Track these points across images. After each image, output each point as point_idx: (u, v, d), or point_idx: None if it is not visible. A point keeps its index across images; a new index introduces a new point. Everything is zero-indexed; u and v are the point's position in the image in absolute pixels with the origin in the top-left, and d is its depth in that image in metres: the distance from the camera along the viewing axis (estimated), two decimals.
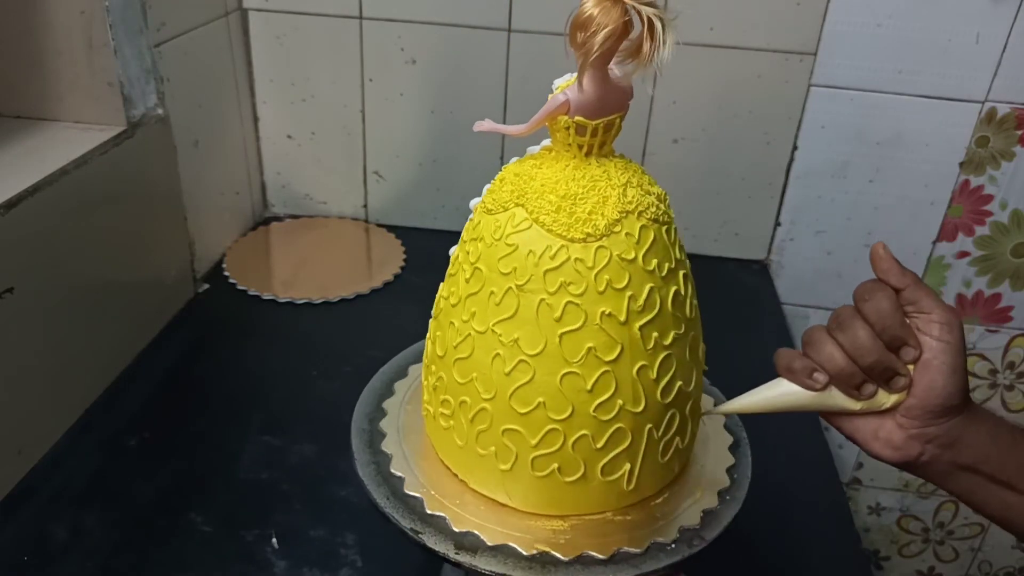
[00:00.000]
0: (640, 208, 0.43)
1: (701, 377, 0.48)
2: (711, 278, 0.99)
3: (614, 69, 0.41)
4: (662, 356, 0.43)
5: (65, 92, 0.73)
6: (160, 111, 0.78)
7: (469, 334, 0.44)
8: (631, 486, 0.45)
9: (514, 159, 0.47)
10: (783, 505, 0.68)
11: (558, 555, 0.43)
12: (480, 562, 0.43)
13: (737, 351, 0.70)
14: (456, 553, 0.43)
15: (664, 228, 0.44)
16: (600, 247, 0.42)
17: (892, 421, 0.46)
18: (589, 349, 0.42)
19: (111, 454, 0.68)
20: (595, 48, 0.39)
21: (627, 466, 0.45)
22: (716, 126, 0.94)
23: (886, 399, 0.46)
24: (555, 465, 0.44)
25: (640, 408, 0.43)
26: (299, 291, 0.90)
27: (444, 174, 1.00)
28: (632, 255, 0.42)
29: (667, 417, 0.45)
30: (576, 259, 0.41)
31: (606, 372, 0.42)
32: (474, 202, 0.48)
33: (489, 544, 0.44)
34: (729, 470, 0.50)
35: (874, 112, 0.91)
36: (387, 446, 0.49)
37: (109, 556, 0.59)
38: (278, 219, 1.05)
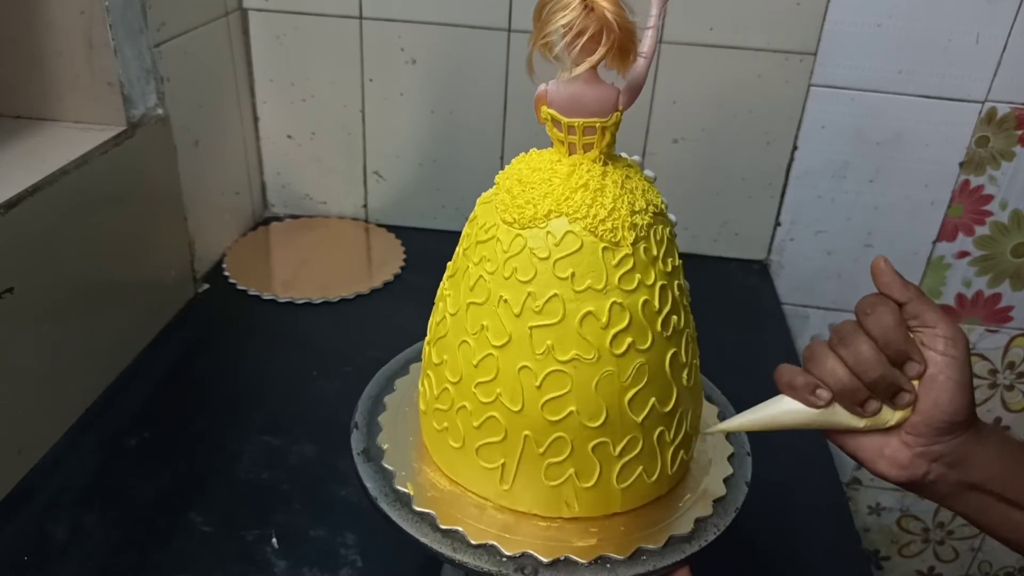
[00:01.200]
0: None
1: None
2: (711, 278, 0.99)
3: (600, 73, 0.41)
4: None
5: (65, 92, 0.73)
6: (160, 111, 0.78)
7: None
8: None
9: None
10: (783, 505, 0.68)
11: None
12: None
13: (737, 351, 0.70)
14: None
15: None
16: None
17: (897, 439, 0.45)
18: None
19: (111, 454, 0.68)
20: (538, 37, 0.39)
21: (640, 468, 0.45)
22: (716, 126, 0.94)
23: (891, 416, 0.45)
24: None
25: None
26: (299, 291, 0.90)
27: (444, 174, 1.00)
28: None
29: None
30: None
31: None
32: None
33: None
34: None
35: (874, 112, 0.91)
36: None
37: (109, 556, 0.59)
38: (278, 219, 1.05)
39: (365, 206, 1.05)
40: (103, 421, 0.71)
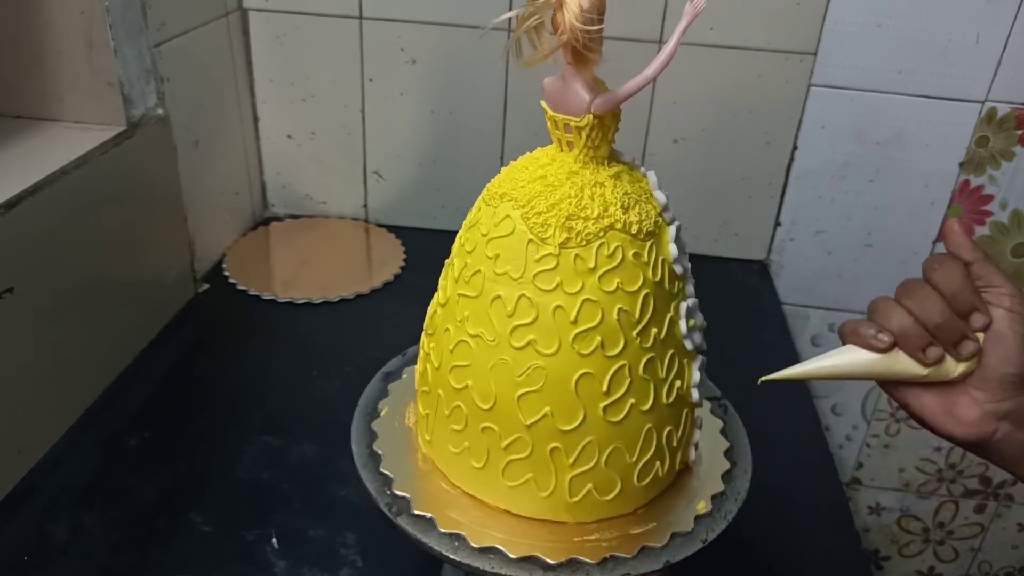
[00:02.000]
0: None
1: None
2: (711, 278, 0.99)
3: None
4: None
5: (65, 92, 0.73)
6: (160, 111, 0.78)
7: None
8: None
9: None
10: (783, 505, 0.68)
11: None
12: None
13: (737, 351, 0.70)
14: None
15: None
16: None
17: (966, 395, 0.45)
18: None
19: (111, 454, 0.68)
20: (521, 23, 0.40)
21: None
22: (716, 126, 0.94)
23: (954, 368, 0.45)
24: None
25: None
26: (299, 291, 0.90)
27: (444, 174, 1.00)
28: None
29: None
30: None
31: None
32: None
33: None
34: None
35: (874, 112, 0.91)
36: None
37: (109, 556, 0.59)
38: (278, 219, 1.05)
39: (365, 206, 1.05)
40: (103, 421, 0.71)
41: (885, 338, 0.44)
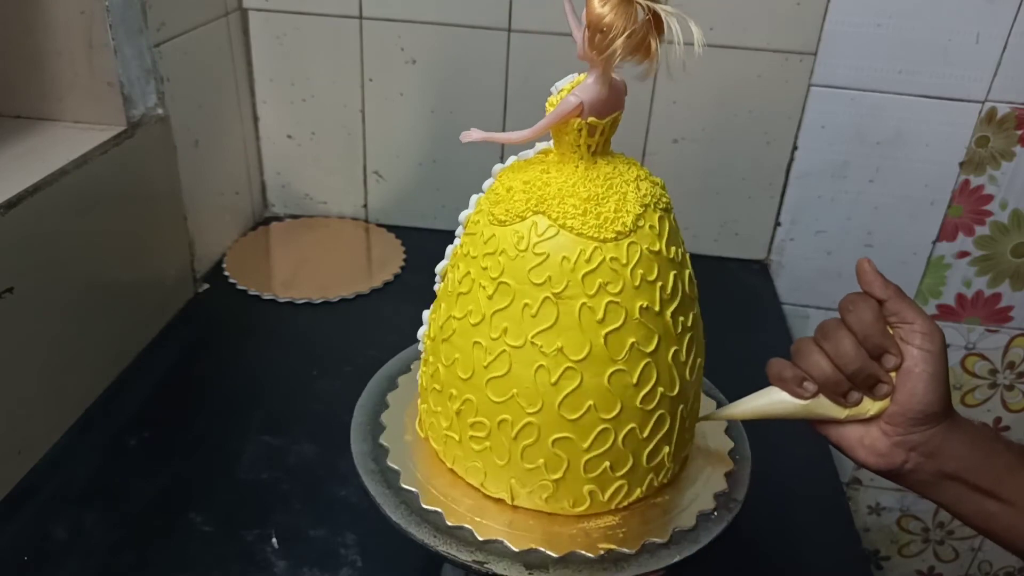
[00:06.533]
0: (653, 200, 0.44)
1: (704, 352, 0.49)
2: (711, 278, 0.99)
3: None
4: (688, 338, 0.45)
5: (65, 92, 0.73)
6: (160, 111, 0.78)
7: (503, 351, 0.43)
8: (672, 465, 0.47)
9: (511, 158, 0.47)
10: (783, 505, 0.68)
11: (624, 551, 0.44)
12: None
13: (737, 351, 0.70)
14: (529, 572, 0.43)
15: (671, 215, 0.45)
16: (631, 243, 0.42)
17: (877, 429, 0.47)
18: (632, 344, 0.43)
19: (111, 454, 0.68)
20: (618, 52, 0.39)
21: (667, 448, 0.46)
22: (716, 126, 0.94)
23: (870, 406, 0.47)
24: (606, 463, 0.44)
25: (676, 391, 0.45)
26: (299, 291, 0.90)
27: (444, 174, 1.00)
28: (657, 246, 0.43)
29: (692, 395, 0.47)
30: (611, 258, 0.42)
31: (648, 363, 0.43)
32: (465, 214, 0.47)
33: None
34: (728, 471, 0.50)
35: (874, 112, 0.91)
36: (392, 459, 0.49)
37: (109, 556, 0.59)
38: (278, 219, 1.05)
39: (365, 206, 1.05)
40: (103, 421, 0.71)
41: (810, 387, 0.47)
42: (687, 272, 0.45)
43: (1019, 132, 0.90)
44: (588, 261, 0.42)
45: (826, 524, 0.69)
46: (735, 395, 0.55)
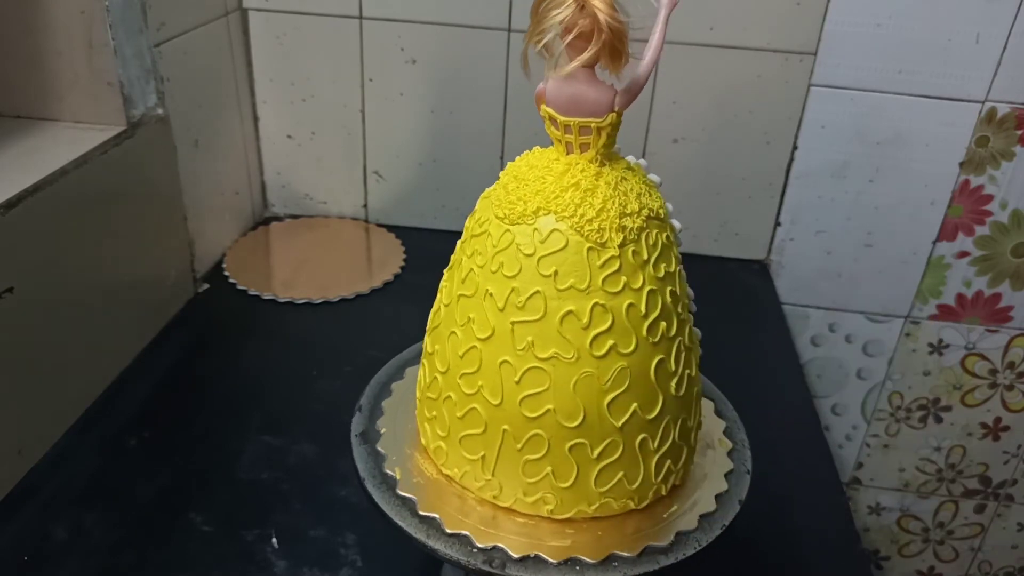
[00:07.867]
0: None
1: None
2: (711, 278, 0.99)
3: (598, 73, 0.41)
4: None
5: (65, 92, 0.73)
6: (160, 111, 0.78)
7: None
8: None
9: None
10: (783, 505, 0.68)
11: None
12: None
13: (737, 351, 0.70)
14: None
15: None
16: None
17: None
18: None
19: (111, 454, 0.68)
20: (533, 34, 0.39)
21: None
22: (716, 126, 0.94)
23: None
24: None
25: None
26: (299, 291, 0.90)
27: (444, 174, 1.00)
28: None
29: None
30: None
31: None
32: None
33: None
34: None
35: (874, 112, 0.91)
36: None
37: (109, 556, 0.59)
38: (278, 219, 1.05)
39: (365, 206, 1.05)
40: (103, 421, 0.71)
41: None
42: (627, 302, 0.43)
43: (1019, 132, 0.90)
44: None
45: (826, 524, 0.69)
46: (735, 395, 0.55)
